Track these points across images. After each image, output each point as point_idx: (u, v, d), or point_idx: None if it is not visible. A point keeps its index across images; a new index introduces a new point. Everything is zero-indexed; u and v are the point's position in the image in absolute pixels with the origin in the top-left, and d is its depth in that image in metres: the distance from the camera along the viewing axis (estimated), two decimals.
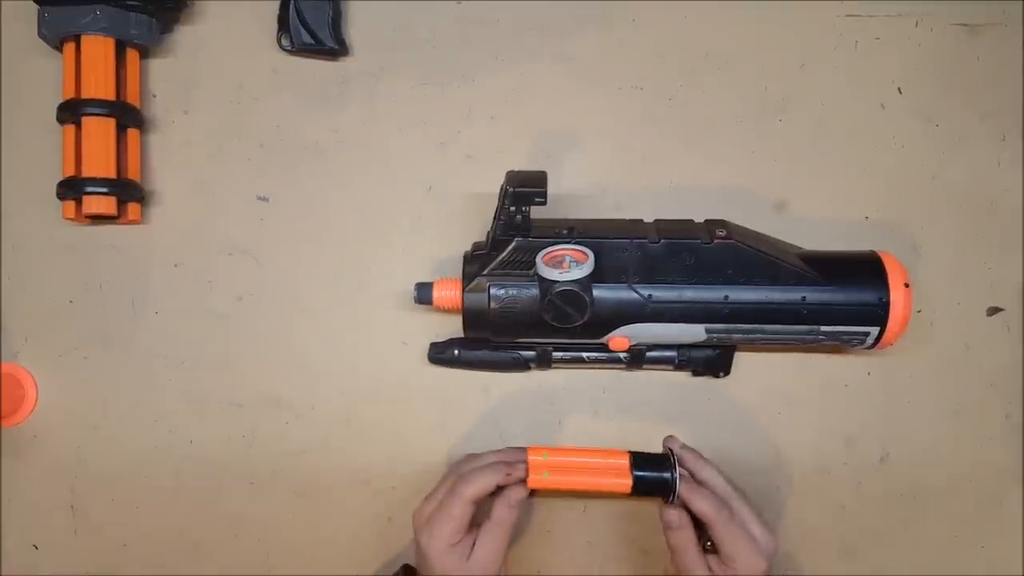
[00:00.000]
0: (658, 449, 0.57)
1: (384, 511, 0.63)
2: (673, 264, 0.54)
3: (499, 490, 0.54)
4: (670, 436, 0.58)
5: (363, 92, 0.63)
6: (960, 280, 0.62)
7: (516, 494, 0.53)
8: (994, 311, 0.62)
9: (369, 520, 0.63)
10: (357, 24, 0.63)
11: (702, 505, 0.53)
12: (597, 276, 0.53)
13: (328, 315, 0.63)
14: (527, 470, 0.54)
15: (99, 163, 0.58)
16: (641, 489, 0.53)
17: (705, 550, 0.54)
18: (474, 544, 0.53)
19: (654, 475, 0.54)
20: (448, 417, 0.63)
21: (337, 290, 0.63)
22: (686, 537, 0.53)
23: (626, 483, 0.53)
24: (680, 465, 0.54)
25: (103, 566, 0.64)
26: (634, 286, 0.54)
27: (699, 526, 0.54)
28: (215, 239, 0.63)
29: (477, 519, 0.54)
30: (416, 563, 0.56)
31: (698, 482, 0.55)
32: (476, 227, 0.60)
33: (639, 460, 0.54)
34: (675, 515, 0.53)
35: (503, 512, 0.53)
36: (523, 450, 0.56)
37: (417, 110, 0.62)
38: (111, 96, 0.59)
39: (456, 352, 0.61)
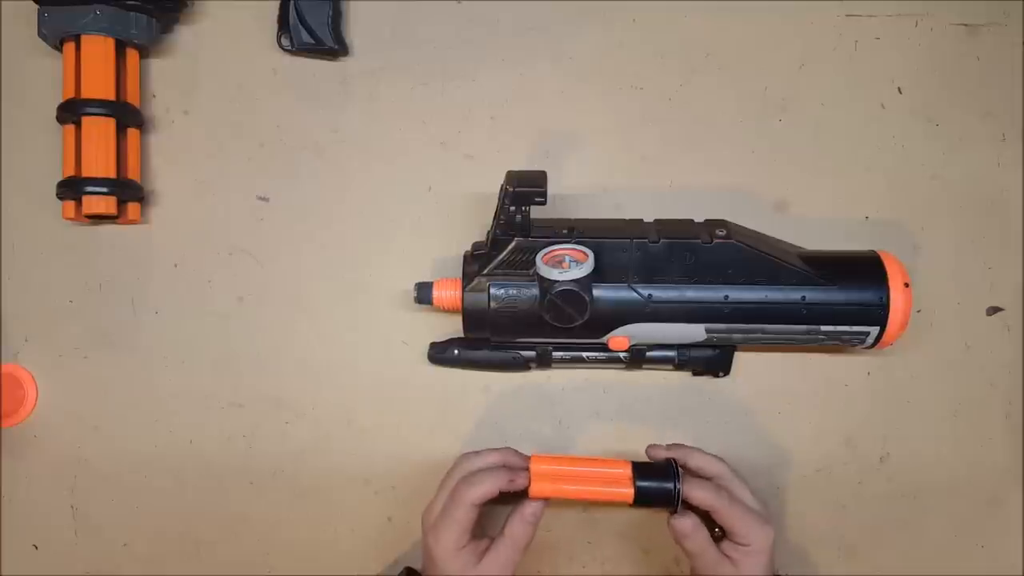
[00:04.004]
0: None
1: (384, 511, 0.63)
2: (673, 264, 0.54)
3: (509, 497, 0.54)
4: (652, 445, 0.57)
5: (363, 92, 0.63)
6: (960, 280, 0.62)
7: (533, 510, 0.53)
8: (994, 311, 0.62)
9: (369, 520, 0.63)
10: (357, 24, 0.63)
11: (703, 495, 0.53)
12: (597, 276, 0.53)
13: (328, 315, 0.63)
14: (529, 478, 0.53)
15: (99, 163, 0.58)
16: (644, 500, 0.53)
17: (715, 538, 0.54)
18: (485, 552, 0.53)
19: (657, 485, 0.53)
20: (448, 417, 0.63)
21: (337, 290, 0.63)
22: (701, 540, 0.53)
23: (628, 493, 0.53)
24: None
25: (103, 566, 0.64)
26: (634, 286, 0.54)
27: (702, 516, 0.54)
28: (215, 239, 0.63)
29: (487, 529, 0.54)
30: (423, 565, 0.56)
31: (691, 471, 0.55)
32: (476, 227, 0.60)
33: (641, 470, 0.54)
34: (687, 523, 0.53)
35: (519, 528, 0.53)
36: (522, 454, 0.56)
37: (417, 110, 0.62)
38: (111, 96, 0.59)
39: (456, 352, 0.61)
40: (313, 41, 0.60)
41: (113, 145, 0.59)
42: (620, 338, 0.55)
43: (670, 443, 0.58)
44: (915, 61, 0.62)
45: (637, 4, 0.62)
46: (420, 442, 0.63)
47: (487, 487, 0.52)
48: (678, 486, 0.53)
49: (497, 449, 0.57)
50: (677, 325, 0.54)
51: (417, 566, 0.57)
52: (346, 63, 0.63)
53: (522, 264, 0.54)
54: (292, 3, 0.60)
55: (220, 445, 0.63)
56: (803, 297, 0.54)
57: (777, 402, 0.62)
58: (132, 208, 0.61)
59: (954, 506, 0.62)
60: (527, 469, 0.54)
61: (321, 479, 0.63)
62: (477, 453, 0.56)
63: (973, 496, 0.62)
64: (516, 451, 0.57)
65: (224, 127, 0.63)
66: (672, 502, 0.53)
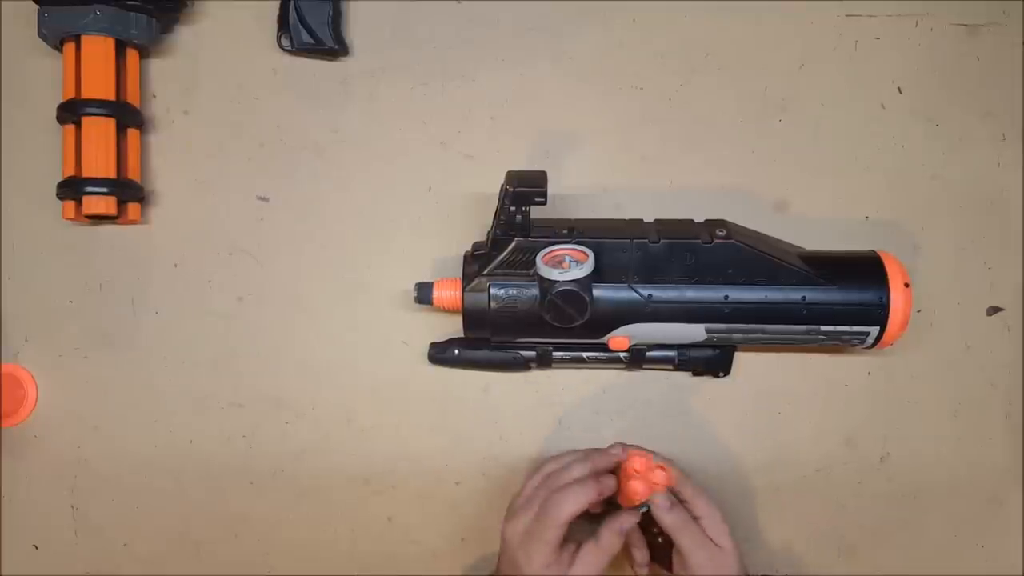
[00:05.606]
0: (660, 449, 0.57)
1: (384, 511, 0.63)
2: (673, 264, 0.54)
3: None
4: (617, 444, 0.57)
5: (363, 92, 0.63)
6: (960, 280, 0.62)
7: (626, 523, 0.52)
8: (994, 311, 0.62)
9: (369, 520, 0.63)
10: (357, 24, 0.63)
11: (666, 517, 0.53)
12: (597, 276, 0.53)
13: (328, 315, 0.63)
14: (622, 485, 0.54)
15: (99, 163, 0.58)
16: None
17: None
18: (574, 557, 0.52)
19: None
20: (448, 417, 0.63)
21: (337, 290, 0.63)
22: (678, 513, 0.53)
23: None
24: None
25: (103, 566, 0.64)
26: (634, 286, 0.54)
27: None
28: (215, 239, 0.63)
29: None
30: (504, 573, 0.55)
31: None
32: (476, 227, 0.60)
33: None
34: (661, 498, 0.53)
35: (610, 539, 0.52)
36: (599, 451, 0.56)
37: (417, 110, 0.62)
38: (111, 96, 0.59)
39: (456, 352, 0.61)
40: (313, 41, 0.60)
41: (113, 145, 0.59)
42: (620, 338, 0.55)
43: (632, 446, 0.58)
44: (915, 61, 0.62)
45: (637, 4, 0.62)
46: (420, 442, 0.62)
47: (577, 505, 0.51)
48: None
49: (583, 456, 0.55)
50: (677, 325, 0.54)
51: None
52: (346, 63, 0.63)
53: (522, 264, 0.54)
54: (292, 3, 0.60)
55: (220, 445, 0.63)
56: (803, 297, 0.54)
57: (777, 402, 0.62)
58: (132, 208, 0.61)
59: (954, 506, 0.62)
60: (613, 475, 0.54)
61: (321, 479, 0.63)
62: (563, 465, 0.55)
63: (973, 496, 0.62)
64: (599, 450, 0.56)
65: (224, 127, 0.63)
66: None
